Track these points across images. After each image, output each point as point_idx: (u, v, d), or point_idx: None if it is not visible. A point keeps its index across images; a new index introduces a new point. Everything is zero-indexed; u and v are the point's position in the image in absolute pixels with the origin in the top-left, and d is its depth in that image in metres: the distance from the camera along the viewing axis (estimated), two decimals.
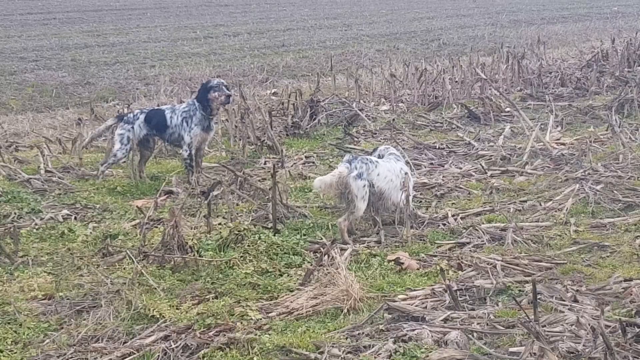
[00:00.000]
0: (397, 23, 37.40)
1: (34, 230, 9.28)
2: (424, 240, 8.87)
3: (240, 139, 13.07)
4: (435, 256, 8.36)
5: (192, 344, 6.40)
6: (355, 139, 13.87)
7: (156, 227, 9.16)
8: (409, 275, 7.86)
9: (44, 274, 7.99)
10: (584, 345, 6.08)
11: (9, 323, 6.90)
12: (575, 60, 22.80)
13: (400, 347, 6.26)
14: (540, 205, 9.89)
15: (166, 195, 10.49)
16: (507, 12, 43.74)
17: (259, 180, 11.12)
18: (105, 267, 8.08)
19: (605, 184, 10.53)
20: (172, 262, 8.06)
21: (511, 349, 6.19)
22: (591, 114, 15.17)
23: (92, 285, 7.57)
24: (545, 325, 6.40)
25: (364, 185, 8.78)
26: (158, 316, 6.98)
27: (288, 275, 7.91)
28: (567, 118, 14.90)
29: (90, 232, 9.05)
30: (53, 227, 9.34)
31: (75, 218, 9.77)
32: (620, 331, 6.09)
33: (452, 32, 33.01)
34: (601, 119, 14.54)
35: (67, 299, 7.36)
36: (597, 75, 18.65)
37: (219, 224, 8.96)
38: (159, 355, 6.27)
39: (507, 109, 15.56)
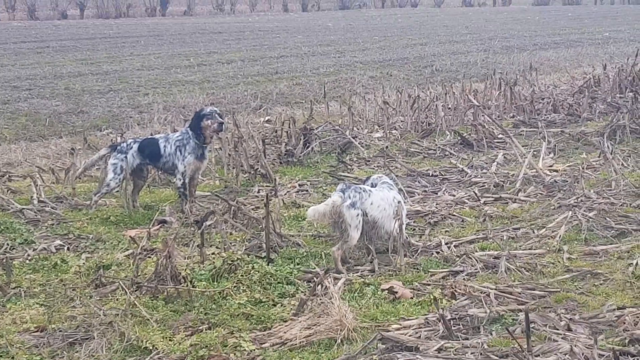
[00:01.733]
0: (390, 49, 37.50)
1: (27, 261, 9.25)
2: (417, 268, 8.87)
3: (233, 168, 13.08)
4: (428, 285, 8.36)
5: None
6: (349, 167, 13.89)
7: (149, 257, 9.15)
8: (403, 305, 7.86)
9: (36, 305, 7.97)
10: None
11: (1, 356, 6.87)
12: (567, 86, 22.88)
13: None
14: (534, 232, 9.91)
15: (159, 225, 10.48)
16: (499, 38, 43.89)
17: (253, 209, 11.12)
18: (98, 298, 8.06)
19: (598, 210, 10.56)
20: (165, 293, 8.05)
21: None
22: (583, 140, 15.24)
23: (84, 316, 7.55)
24: (538, 355, 6.41)
25: (358, 214, 8.80)
26: (151, 348, 6.96)
27: (282, 305, 7.90)
28: (559, 144, 14.95)
29: (83, 263, 9.01)
30: (46, 258, 9.31)
31: (68, 248, 9.75)
32: None
33: (444, 58, 33.11)
34: (593, 145, 14.60)
35: (60, 331, 7.33)
36: (589, 102, 18.73)
37: (212, 253, 8.98)
38: None
39: (500, 136, 15.59)
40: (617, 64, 24.78)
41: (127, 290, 7.90)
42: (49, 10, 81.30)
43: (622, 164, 12.77)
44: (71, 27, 59.56)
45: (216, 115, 11.30)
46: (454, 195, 11.82)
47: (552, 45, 38.78)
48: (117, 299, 7.99)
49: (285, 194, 12.12)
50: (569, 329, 7.04)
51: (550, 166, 13.24)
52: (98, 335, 7.08)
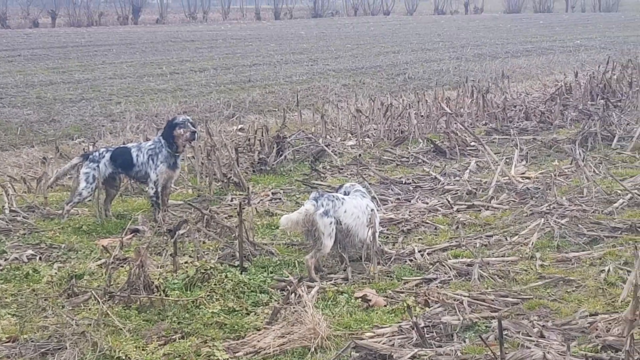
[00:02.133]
0: (363, 57, 37.57)
1: None
2: (391, 276, 8.88)
3: (206, 176, 13.06)
4: (402, 292, 8.37)
5: None
6: (322, 175, 13.89)
7: (122, 266, 9.10)
8: (376, 312, 7.86)
9: (8, 315, 7.91)
10: None
11: None
12: (539, 94, 23.01)
13: None
14: (506, 239, 9.95)
15: (132, 234, 10.44)
16: (472, 46, 44.07)
17: (226, 218, 11.10)
18: (70, 308, 8.00)
19: (570, 217, 10.62)
20: (138, 302, 8.01)
21: None
22: (555, 147, 15.32)
23: (57, 327, 7.49)
24: None
25: (331, 223, 8.80)
26: (124, 358, 6.93)
27: (255, 314, 7.89)
28: (531, 152, 15.03)
29: (55, 273, 8.95)
30: (17, 268, 9.25)
31: (40, 258, 9.69)
32: None
33: (417, 66, 33.21)
34: (565, 152, 14.68)
35: (32, 342, 7.27)
36: (560, 109, 18.84)
37: (186, 262, 8.94)
38: None
39: (473, 143, 15.65)
40: (589, 72, 24.99)
41: (99, 299, 7.86)
42: (20, 19, 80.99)
43: (594, 171, 12.84)
44: (43, 36, 59.30)
45: (189, 124, 11.27)
46: (427, 203, 11.85)
47: (524, 53, 38.99)
48: (89, 309, 7.94)
49: (258, 203, 12.11)
50: (542, 336, 7.07)
51: (523, 173, 13.30)
52: (70, 346, 7.03)
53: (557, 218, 10.56)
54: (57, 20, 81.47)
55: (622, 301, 7.75)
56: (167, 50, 43.14)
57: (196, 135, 11.54)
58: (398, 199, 12.21)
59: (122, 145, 12.29)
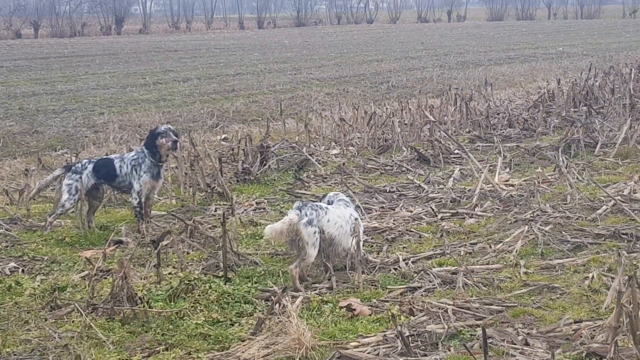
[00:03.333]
0: (346, 66, 37.62)
1: None
2: (375, 285, 8.86)
3: (190, 186, 13.02)
4: (387, 301, 8.35)
5: None
6: (306, 184, 13.87)
7: (105, 278, 9.05)
8: (361, 322, 7.84)
9: None
10: None
11: None
12: (522, 101, 23.08)
13: None
14: (490, 247, 9.95)
15: (115, 245, 10.40)
16: (455, 53, 44.20)
17: (210, 228, 11.06)
18: (53, 320, 7.96)
19: (554, 224, 10.63)
20: (122, 314, 7.97)
21: None
22: (539, 154, 15.35)
23: (39, 339, 7.46)
24: None
25: (315, 232, 8.78)
26: None
27: (239, 325, 7.85)
28: (515, 159, 15.05)
29: (38, 285, 8.91)
30: (0, 281, 9.19)
31: (22, 271, 9.63)
32: None
33: (400, 74, 33.27)
34: (548, 159, 14.71)
35: (14, 355, 7.23)
36: (543, 116, 18.89)
37: (169, 273, 8.90)
38: None
39: (456, 151, 15.67)
40: (571, 79, 25.09)
41: (82, 312, 7.83)
42: (2, 30, 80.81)
43: (577, 178, 12.87)
44: (25, 47, 59.22)
45: (170, 133, 11.23)
46: (411, 211, 11.84)
47: (507, 60, 39.11)
48: (72, 321, 7.90)
49: (242, 213, 12.08)
50: (527, 344, 7.06)
51: (506, 181, 13.31)
52: (53, 359, 7.01)
53: (540, 225, 10.57)
54: (39, 31, 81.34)
55: (606, 308, 7.75)
56: (151, 61, 43.10)
57: (178, 144, 11.50)
58: (382, 207, 12.20)
59: (104, 157, 12.25)
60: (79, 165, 11.46)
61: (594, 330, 7.23)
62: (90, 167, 11.36)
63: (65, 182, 11.30)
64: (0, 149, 18.18)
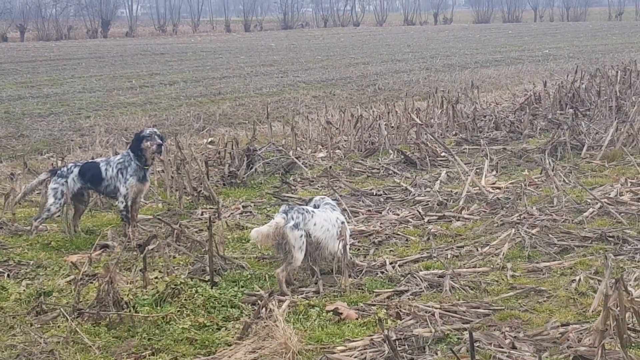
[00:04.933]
0: (333, 69, 37.63)
1: None
2: (362, 289, 8.84)
3: (176, 190, 12.98)
4: (374, 305, 8.33)
5: None
6: (293, 187, 13.85)
7: (91, 282, 9.02)
8: (348, 326, 7.82)
9: None
10: None
11: None
12: (508, 104, 23.12)
13: None
14: (477, 250, 9.95)
15: (101, 250, 10.34)
16: (441, 56, 44.26)
17: (196, 232, 11.04)
18: (38, 325, 7.92)
19: (541, 227, 10.64)
20: (108, 319, 7.93)
21: None
22: (525, 157, 15.37)
23: (25, 345, 7.41)
24: None
25: (301, 235, 8.76)
26: None
27: (226, 329, 7.82)
28: (501, 162, 15.06)
29: (24, 290, 8.86)
30: None
31: (8, 275, 9.56)
32: None
33: (387, 77, 33.29)
34: (535, 162, 14.72)
35: None
36: (530, 119, 18.91)
37: (155, 278, 8.87)
38: None
39: (443, 154, 15.67)
40: (557, 81, 25.14)
41: (68, 317, 7.79)
42: None
43: (564, 181, 12.89)
44: (11, 50, 59.07)
45: (155, 136, 11.19)
46: (398, 215, 11.83)
47: (493, 63, 39.20)
48: (58, 326, 7.86)
49: (229, 216, 12.05)
50: (514, 347, 7.06)
51: (493, 184, 13.32)
52: None
53: (527, 228, 10.58)
54: (25, 34, 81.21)
55: (593, 311, 7.76)
56: (137, 64, 43.03)
57: (163, 147, 11.48)
58: (369, 210, 12.18)
59: (90, 160, 12.21)
60: (65, 169, 11.41)
61: (581, 334, 7.23)
62: (76, 170, 11.31)
63: (50, 186, 11.25)
64: None
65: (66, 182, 11.22)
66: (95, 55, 50.63)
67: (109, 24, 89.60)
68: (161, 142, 11.22)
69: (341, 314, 8.05)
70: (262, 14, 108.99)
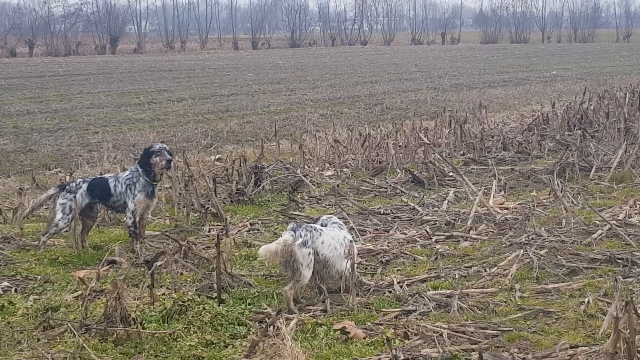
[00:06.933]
0: (341, 87, 37.67)
1: None
2: (369, 308, 8.81)
3: (184, 207, 12.98)
4: (381, 324, 8.30)
5: None
6: (300, 205, 13.84)
7: (98, 298, 8.99)
8: (356, 345, 7.79)
9: None
10: None
11: None
12: (516, 124, 23.11)
13: None
14: (485, 270, 9.91)
15: (109, 265, 10.33)
16: (449, 76, 44.30)
17: (204, 249, 11.02)
18: (46, 341, 7.90)
19: (549, 248, 10.60)
20: (115, 335, 7.91)
21: None
22: (533, 178, 15.33)
23: None
24: None
25: (309, 253, 8.74)
26: None
27: (233, 347, 7.80)
28: (509, 182, 15.03)
29: (31, 305, 8.84)
30: None
31: (15, 290, 9.56)
32: None
33: (395, 96, 33.32)
34: (543, 183, 14.68)
35: None
36: (538, 139, 18.89)
37: (163, 294, 8.86)
38: None
39: (451, 174, 15.65)
40: (565, 102, 25.11)
41: (75, 332, 7.77)
42: None
43: (572, 202, 12.84)
44: (20, 65, 59.25)
45: (165, 152, 11.19)
46: (405, 234, 11.80)
47: (501, 83, 39.21)
48: (65, 342, 7.85)
49: (236, 233, 12.03)
50: None
51: (501, 204, 13.29)
52: None
53: (536, 249, 10.54)
54: (34, 49, 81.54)
55: (602, 333, 7.72)
56: (145, 80, 43.12)
57: (172, 163, 11.48)
58: (376, 229, 12.16)
59: (99, 176, 12.21)
60: (73, 184, 11.41)
61: (590, 356, 7.20)
62: (84, 186, 11.31)
63: (59, 202, 11.25)
64: None
65: (74, 197, 11.22)
66: (104, 71, 50.78)
67: (117, 41, 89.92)
68: (170, 157, 11.22)
69: (349, 333, 8.02)
70: (270, 32, 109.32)
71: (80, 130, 24.17)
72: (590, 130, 20.02)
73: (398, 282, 9.47)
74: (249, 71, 50.48)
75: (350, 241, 9.19)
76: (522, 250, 10.37)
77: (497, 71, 48.38)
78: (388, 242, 11.36)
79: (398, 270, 10.18)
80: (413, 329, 8.04)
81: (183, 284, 9.47)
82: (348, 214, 12.55)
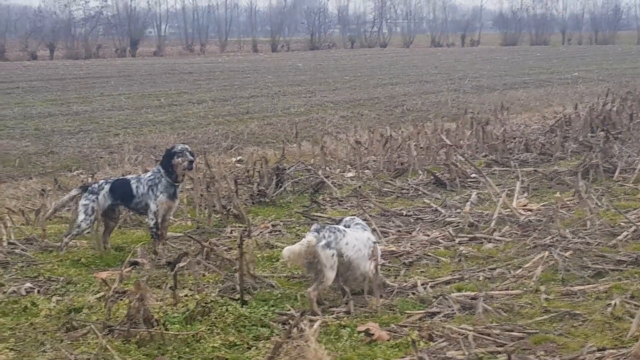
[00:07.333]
0: (361, 89, 37.63)
1: None
2: (393, 310, 8.74)
3: (205, 208, 12.96)
4: (405, 326, 8.23)
5: None
6: (322, 207, 13.78)
7: (121, 299, 8.95)
8: (380, 347, 7.73)
9: (5, 350, 7.77)
10: None
11: None
12: (538, 126, 23.01)
13: None
14: (510, 272, 9.82)
15: (131, 267, 10.30)
16: (470, 77, 44.17)
17: (226, 250, 10.98)
18: (69, 342, 7.88)
19: (574, 250, 10.50)
20: (138, 336, 7.87)
21: None
22: (557, 179, 15.23)
23: None
24: None
25: (333, 255, 8.68)
26: None
27: (256, 349, 7.75)
28: (533, 184, 14.94)
29: (54, 306, 8.83)
30: (15, 301, 9.11)
31: (38, 291, 9.55)
32: None
33: (415, 97, 33.25)
34: (567, 184, 14.56)
35: None
36: (561, 141, 18.77)
37: (186, 295, 8.82)
38: None
39: (473, 175, 15.57)
40: (588, 104, 24.96)
41: (98, 333, 7.74)
42: (18, 51, 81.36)
43: (597, 203, 12.73)
44: (41, 68, 59.52)
45: (187, 153, 11.16)
46: (428, 235, 11.73)
47: (522, 85, 39.07)
48: (88, 343, 7.82)
49: (258, 235, 11.99)
50: None
51: (525, 205, 13.20)
52: None
53: (560, 251, 10.44)
54: (55, 52, 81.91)
55: (630, 336, 7.62)
56: (165, 82, 43.22)
57: (194, 164, 11.44)
58: (399, 231, 12.10)
59: (121, 177, 12.20)
60: (96, 185, 11.40)
61: (618, 359, 7.10)
62: (107, 187, 11.30)
63: (81, 203, 11.24)
64: (16, 169, 18.19)
65: (97, 198, 11.20)
66: (124, 74, 50.92)
67: (137, 43, 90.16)
68: (192, 158, 11.19)
69: (373, 335, 7.96)
70: (290, 35, 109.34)
71: (101, 132, 24.24)
72: (614, 132, 19.86)
73: (422, 284, 9.40)
74: (269, 73, 50.51)
75: (374, 242, 9.13)
76: (546, 252, 10.26)
77: (517, 73, 48.21)
78: (411, 244, 11.29)
79: (421, 271, 10.11)
80: (438, 331, 7.97)
81: (206, 286, 9.43)
82: (370, 216, 12.48)
